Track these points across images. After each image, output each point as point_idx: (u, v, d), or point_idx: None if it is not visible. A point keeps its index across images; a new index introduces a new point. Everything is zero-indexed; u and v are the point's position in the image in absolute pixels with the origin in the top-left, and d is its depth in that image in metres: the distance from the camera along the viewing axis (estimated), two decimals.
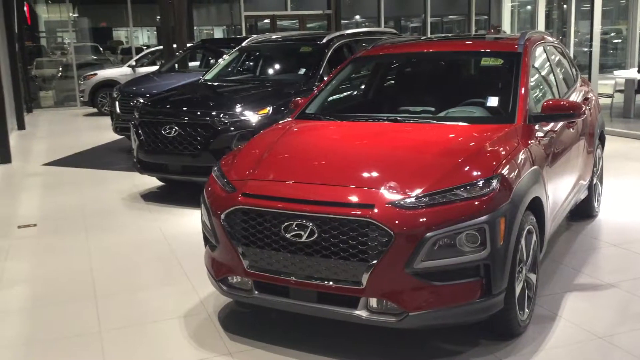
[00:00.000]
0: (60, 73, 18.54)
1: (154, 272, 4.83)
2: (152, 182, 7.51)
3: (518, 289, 3.44)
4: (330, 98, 4.92)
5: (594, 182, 5.57)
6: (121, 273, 4.83)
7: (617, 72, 12.46)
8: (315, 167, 3.63)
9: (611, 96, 11.40)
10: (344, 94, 5.35)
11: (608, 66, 16.37)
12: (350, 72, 5.17)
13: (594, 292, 4.16)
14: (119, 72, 15.21)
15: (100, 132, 12.06)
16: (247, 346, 3.58)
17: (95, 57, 20.16)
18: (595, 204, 5.72)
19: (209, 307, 4.10)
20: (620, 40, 18.10)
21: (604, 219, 5.70)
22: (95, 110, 15.17)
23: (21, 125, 13.07)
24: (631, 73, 11.66)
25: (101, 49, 21.53)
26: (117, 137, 10.56)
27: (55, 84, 18.67)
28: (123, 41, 24.75)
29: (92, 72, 15.53)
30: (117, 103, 9.74)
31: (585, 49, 13.29)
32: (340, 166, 3.56)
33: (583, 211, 5.58)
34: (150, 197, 7.11)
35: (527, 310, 3.59)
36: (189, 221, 6.00)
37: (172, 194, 7.16)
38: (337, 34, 8.15)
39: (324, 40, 7.79)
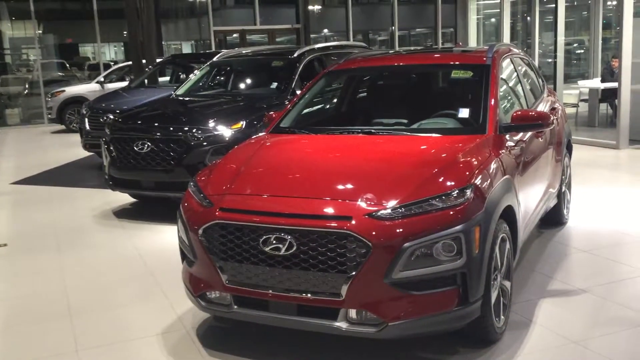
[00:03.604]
0: (26, 90, 18.27)
1: (130, 290, 4.79)
2: (124, 198, 7.44)
3: (494, 297, 3.50)
4: (304, 112, 4.95)
5: (563, 189, 5.68)
6: (96, 291, 4.77)
7: (581, 82, 12.78)
8: (292, 180, 3.66)
9: (576, 105, 11.67)
10: (318, 107, 5.39)
11: (572, 76, 16.75)
12: (323, 85, 5.21)
13: (567, 297, 4.25)
14: (87, 89, 15.05)
15: (69, 149, 11.91)
16: None
17: (61, 74, 19.92)
18: (565, 212, 5.84)
19: (187, 324, 4.07)
20: (582, 51, 18.53)
21: (573, 225, 5.83)
22: (63, 127, 14.98)
23: None
24: (594, 83, 11.98)
25: (68, 65, 21.29)
26: (86, 153, 10.43)
27: (21, 101, 18.39)
28: (90, 57, 24.53)
29: (59, 89, 15.33)
30: (86, 119, 9.63)
31: (550, 60, 13.57)
32: (317, 179, 3.59)
33: (553, 219, 5.69)
34: (123, 214, 7.05)
35: (502, 317, 3.65)
36: (164, 237, 5.96)
37: (145, 211, 7.10)
38: (308, 48, 8.21)
39: (295, 55, 7.83)
